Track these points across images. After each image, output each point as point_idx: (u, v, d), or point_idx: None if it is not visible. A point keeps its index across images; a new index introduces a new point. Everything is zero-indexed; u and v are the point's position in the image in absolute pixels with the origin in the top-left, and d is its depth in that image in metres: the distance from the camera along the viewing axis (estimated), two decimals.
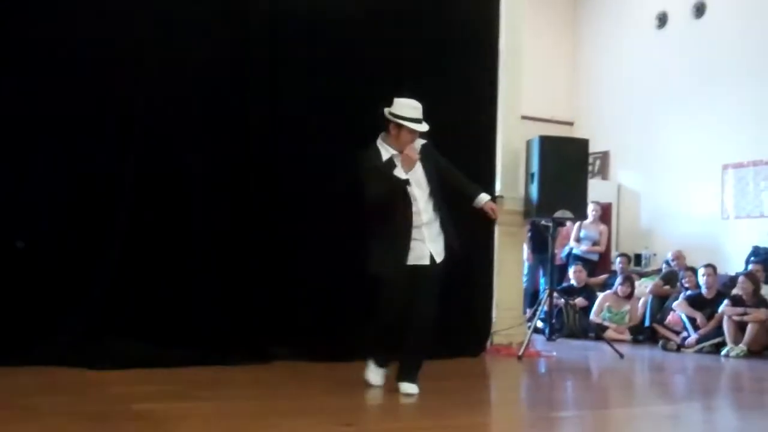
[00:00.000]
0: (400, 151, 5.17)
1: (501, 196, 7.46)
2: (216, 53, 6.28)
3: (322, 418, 4.60)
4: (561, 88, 12.59)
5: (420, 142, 5.29)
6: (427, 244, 5.20)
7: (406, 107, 5.19)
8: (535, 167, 7.51)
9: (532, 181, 7.54)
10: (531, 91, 8.77)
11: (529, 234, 9.43)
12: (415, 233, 5.16)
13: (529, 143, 7.71)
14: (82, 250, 5.89)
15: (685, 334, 8.60)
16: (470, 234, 7.12)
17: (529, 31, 8.06)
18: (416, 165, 5.21)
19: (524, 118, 8.03)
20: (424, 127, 5.23)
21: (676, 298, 9.01)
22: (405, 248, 5.14)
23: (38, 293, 5.78)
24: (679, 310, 8.77)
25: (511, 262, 7.64)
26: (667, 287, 9.55)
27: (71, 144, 5.90)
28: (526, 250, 9.06)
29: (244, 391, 5.22)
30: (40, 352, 5.66)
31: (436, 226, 5.28)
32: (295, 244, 6.37)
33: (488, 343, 7.33)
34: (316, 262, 6.40)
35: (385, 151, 5.19)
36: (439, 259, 5.25)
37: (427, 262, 5.20)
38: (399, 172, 5.15)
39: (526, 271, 9.38)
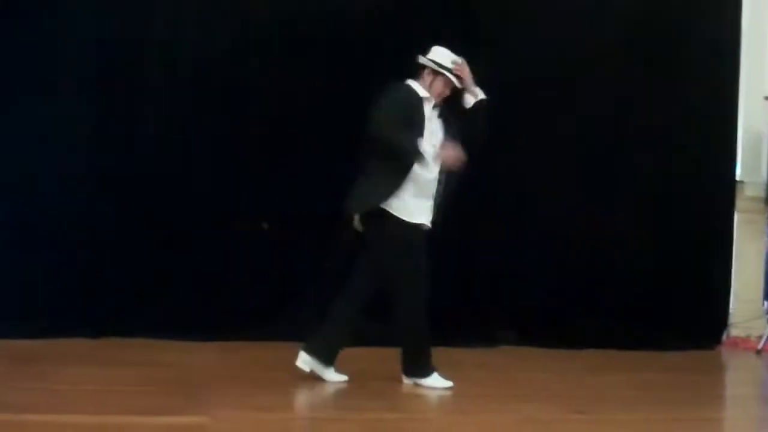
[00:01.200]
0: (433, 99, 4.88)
1: (741, 182, 7.11)
2: None
3: (551, 404, 4.60)
4: None
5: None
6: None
7: (446, 57, 4.89)
8: None
9: None
10: None
11: None
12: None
13: None
14: (319, 229, 6.15)
15: None
16: (707, 221, 6.87)
17: None
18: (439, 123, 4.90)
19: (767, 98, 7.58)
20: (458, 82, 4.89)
21: None
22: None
23: (276, 272, 6.11)
24: None
25: (751, 251, 7.23)
26: None
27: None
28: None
29: (472, 374, 5.28)
30: (278, 328, 5.98)
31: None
32: (527, 229, 6.39)
33: (724, 336, 7.01)
34: (546, 247, 6.38)
35: (423, 91, 4.86)
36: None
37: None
38: (430, 124, 4.84)
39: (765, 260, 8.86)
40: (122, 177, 5.93)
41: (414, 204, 4.76)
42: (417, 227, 4.79)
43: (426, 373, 4.82)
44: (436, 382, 4.80)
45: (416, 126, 4.79)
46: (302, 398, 4.44)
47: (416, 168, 4.72)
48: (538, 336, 6.22)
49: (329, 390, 4.63)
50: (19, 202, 5.74)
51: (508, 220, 6.32)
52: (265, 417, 4.02)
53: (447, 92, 4.93)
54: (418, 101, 4.84)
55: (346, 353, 5.59)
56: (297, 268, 6.13)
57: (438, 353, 5.74)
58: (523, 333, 6.24)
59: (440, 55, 4.93)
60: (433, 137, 4.84)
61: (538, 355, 6.03)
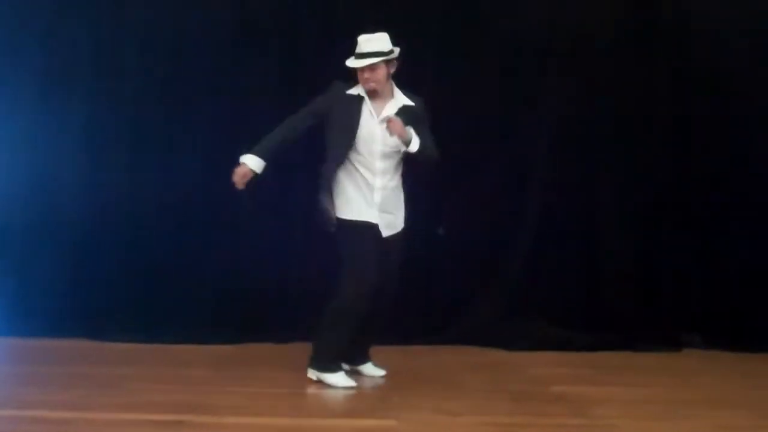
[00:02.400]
0: (368, 91, 4.62)
1: None
2: None
3: (743, 410, 4.45)
4: None
5: (403, 100, 4.66)
6: (379, 212, 4.65)
7: (358, 43, 4.58)
8: None
9: None
10: None
11: None
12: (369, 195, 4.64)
13: None
14: (494, 237, 6.17)
15: None
16: None
17: None
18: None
19: None
20: (357, 62, 4.52)
21: None
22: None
23: (454, 277, 6.15)
24: None
25: None
26: None
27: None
28: None
29: (655, 378, 5.18)
30: (457, 331, 6.05)
31: (397, 197, 4.75)
32: (716, 230, 6.19)
33: None
34: (731, 248, 6.14)
35: (359, 88, 4.66)
36: (385, 232, 4.68)
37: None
38: (366, 116, 4.61)
39: None
40: None
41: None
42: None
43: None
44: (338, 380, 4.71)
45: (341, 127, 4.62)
46: (487, 402, 4.47)
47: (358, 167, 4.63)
48: (724, 339, 6.02)
49: (511, 394, 4.65)
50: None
51: (703, 223, 6.17)
52: (451, 421, 4.08)
53: (365, 79, 4.58)
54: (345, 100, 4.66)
55: (530, 358, 5.62)
56: (471, 275, 6.16)
57: (619, 357, 5.71)
58: (709, 336, 6.05)
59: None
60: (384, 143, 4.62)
61: (724, 358, 5.83)
